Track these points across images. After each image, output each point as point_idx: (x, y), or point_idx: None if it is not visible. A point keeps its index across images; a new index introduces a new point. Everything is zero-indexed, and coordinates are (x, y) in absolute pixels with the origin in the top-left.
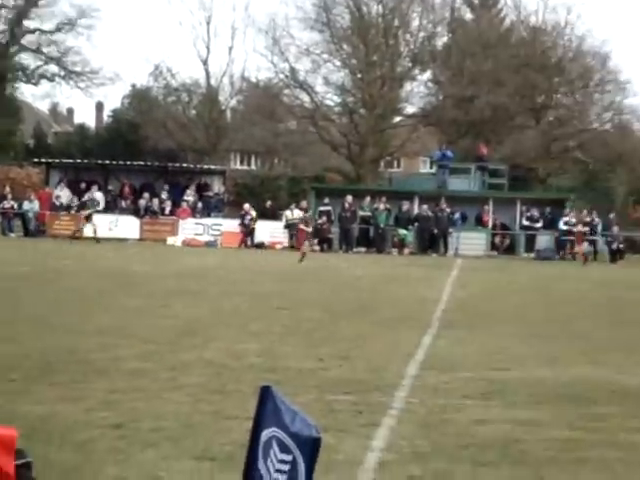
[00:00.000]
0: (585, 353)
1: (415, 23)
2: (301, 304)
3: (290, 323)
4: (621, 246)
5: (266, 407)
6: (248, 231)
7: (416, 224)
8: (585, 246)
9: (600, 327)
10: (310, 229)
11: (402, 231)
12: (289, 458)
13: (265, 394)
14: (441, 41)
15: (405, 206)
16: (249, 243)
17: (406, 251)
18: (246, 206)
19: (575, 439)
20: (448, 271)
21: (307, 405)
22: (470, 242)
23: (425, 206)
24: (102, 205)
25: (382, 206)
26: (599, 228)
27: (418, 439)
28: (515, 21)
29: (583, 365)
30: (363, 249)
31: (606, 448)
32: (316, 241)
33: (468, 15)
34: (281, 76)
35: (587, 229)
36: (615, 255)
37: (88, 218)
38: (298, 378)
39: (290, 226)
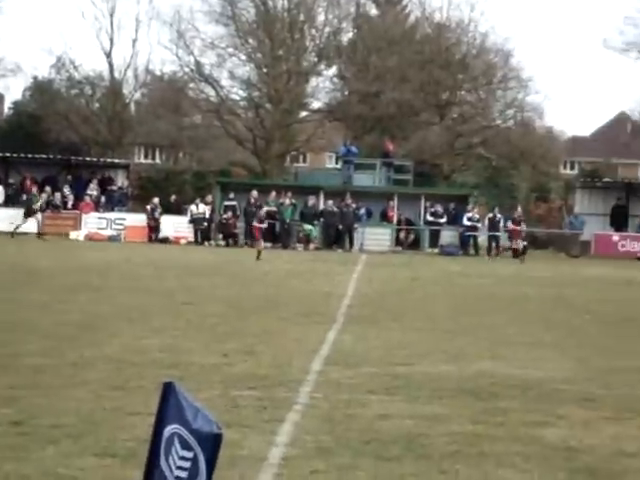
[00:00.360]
0: (488, 348)
1: (321, 18)
2: (206, 299)
3: (194, 318)
4: (524, 242)
5: (168, 403)
6: (156, 225)
7: (321, 219)
8: (519, 243)
9: (503, 322)
10: (265, 226)
11: (307, 226)
12: (190, 455)
13: (167, 390)
14: (346, 36)
15: (311, 201)
16: (153, 238)
17: (311, 246)
18: (155, 200)
19: (477, 433)
20: (353, 266)
21: (211, 401)
22: (375, 237)
23: (330, 201)
24: (2, 199)
25: (288, 201)
26: (502, 224)
27: (322, 434)
28: (420, 17)
29: (486, 360)
30: (269, 244)
31: (508, 442)
32: (221, 236)
33: (373, 11)
34: (186, 69)
35: (521, 228)
36: (517, 251)
37: None
38: (202, 374)
39: (195, 221)
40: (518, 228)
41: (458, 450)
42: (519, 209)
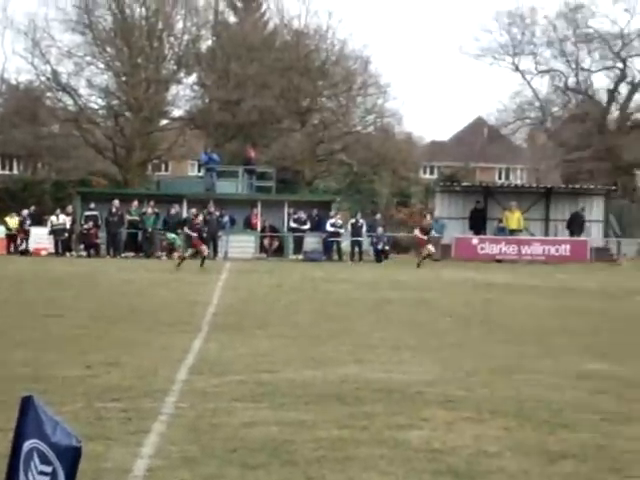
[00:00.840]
0: (352, 353)
1: (179, 26)
2: (68, 311)
3: (57, 330)
4: (386, 247)
5: (27, 418)
6: (25, 237)
7: (185, 228)
8: (429, 247)
9: (366, 327)
10: (195, 235)
11: (171, 235)
12: (49, 469)
13: (26, 404)
14: (206, 44)
15: (173, 210)
16: (12, 250)
17: (175, 255)
18: (25, 211)
19: (343, 438)
20: (218, 274)
21: (74, 414)
22: (239, 245)
23: (194, 209)
24: None
25: (150, 210)
26: (364, 229)
27: (188, 444)
28: (278, 25)
29: (350, 365)
30: (131, 254)
31: (372, 446)
32: (82, 246)
33: (232, 18)
34: (42, 78)
35: (427, 237)
36: (380, 255)
37: None
38: (65, 386)
39: (55, 231)
40: (423, 237)
41: (324, 455)
42: (378, 215)
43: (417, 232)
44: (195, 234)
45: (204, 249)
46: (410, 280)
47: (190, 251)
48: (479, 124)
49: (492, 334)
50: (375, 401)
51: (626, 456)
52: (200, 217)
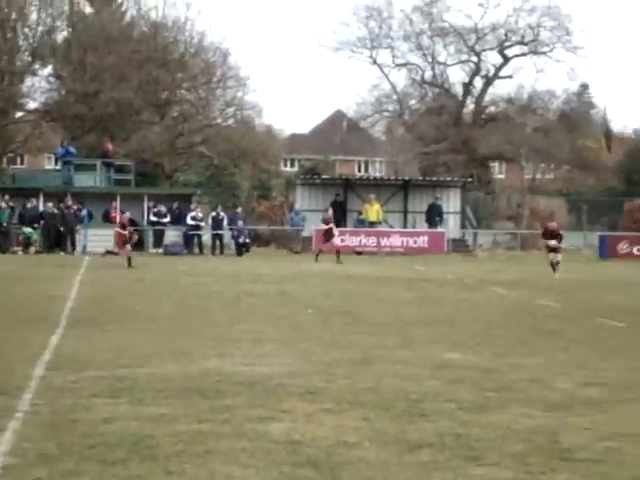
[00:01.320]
0: (213, 346)
1: (33, 17)
2: None
3: None
4: (247, 240)
5: None
6: None
7: (42, 222)
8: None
9: (228, 320)
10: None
11: (27, 229)
12: None
13: None
14: (61, 35)
15: (30, 203)
16: None
17: (32, 250)
18: None
19: (203, 432)
20: (76, 269)
21: None
22: (98, 239)
23: (50, 203)
24: None
25: (4, 204)
26: (225, 222)
27: (44, 441)
28: (136, 16)
29: (212, 358)
30: None
31: (233, 439)
32: None
33: (88, 9)
34: None
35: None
36: (241, 248)
37: None
38: None
39: None
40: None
41: (184, 449)
42: (239, 208)
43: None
44: (125, 232)
45: (125, 251)
46: (271, 273)
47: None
48: (338, 117)
49: (352, 325)
50: (236, 394)
51: (481, 444)
52: (127, 213)
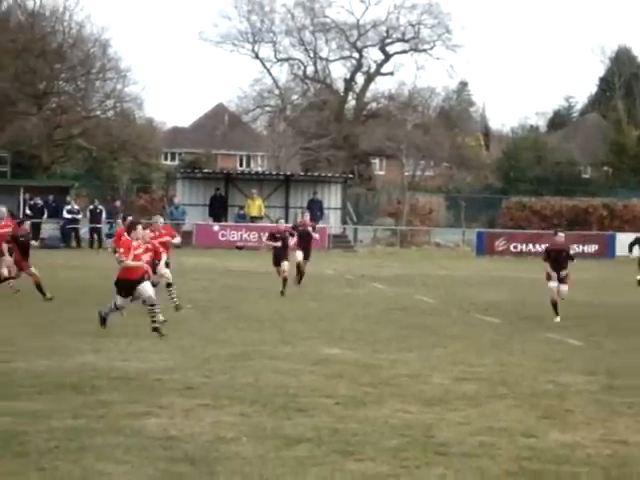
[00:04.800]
0: (90, 342)
1: None
2: None
3: None
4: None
5: None
6: None
7: None
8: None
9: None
10: None
11: None
12: None
13: None
14: None
15: None
16: None
17: None
18: None
19: (78, 428)
20: None
21: None
22: None
23: None
24: None
25: None
26: (104, 215)
27: None
28: (12, 5)
29: (88, 353)
30: None
31: (108, 435)
32: None
33: None
34: None
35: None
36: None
37: None
38: None
39: None
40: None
41: (57, 446)
42: (118, 202)
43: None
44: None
45: None
46: None
47: None
48: (220, 111)
49: (232, 321)
50: (112, 390)
51: (358, 439)
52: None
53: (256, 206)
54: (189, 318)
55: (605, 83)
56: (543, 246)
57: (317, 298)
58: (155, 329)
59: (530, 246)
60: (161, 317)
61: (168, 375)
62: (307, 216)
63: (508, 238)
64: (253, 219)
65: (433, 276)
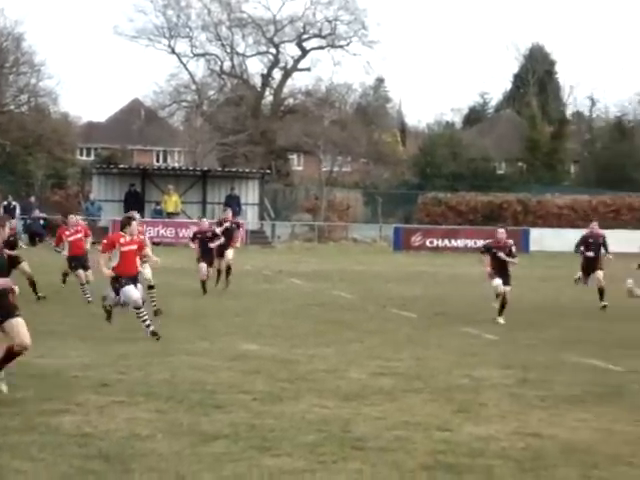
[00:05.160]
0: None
1: None
2: None
3: None
4: (42, 230)
5: None
6: None
7: None
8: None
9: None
10: None
11: None
12: None
13: None
14: None
15: None
16: None
17: None
18: None
19: None
20: None
21: None
22: None
23: None
24: None
25: None
26: (17, 211)
27: None
28: None
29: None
30: None
31: (23, 432)
32: None
33: None
34: None
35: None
36: (35, 238)
37: None
38: None
39: None
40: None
41: None
42: (32, 197)
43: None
44: None
45: None
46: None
47: None
48: (136, 106)
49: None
50: (28, 387)
51: (275, 434)
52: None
53: (172, 202)
54: (105, 314)
55: (519, 80)
56: (460, 241)
57: (235, 294)
58: (154, 333)
59: (446, 241)
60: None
61: (83, 372)
62: (229, 213)
63: (424, 233)
64: (170, 215)
65: (350, 271)
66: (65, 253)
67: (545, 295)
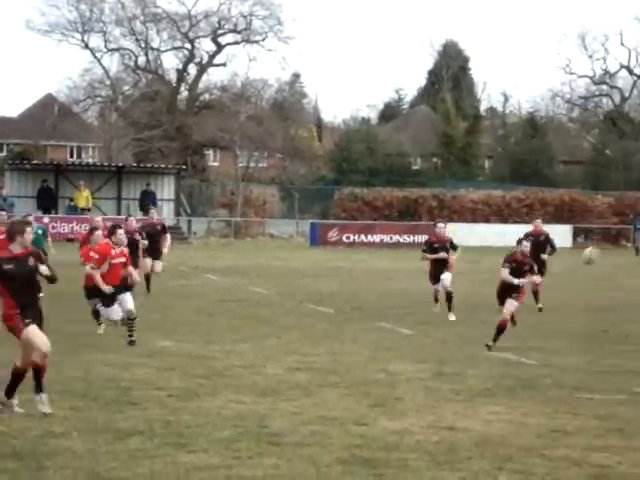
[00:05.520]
0: None
1: None
2: None
3: None
4: None
5: None
6: None
7: None
8: None
9: None
10: None
11: None
12: None
13: None
14: None
15: None
16: None
17: None
18: None
19: None
20: None
21: None
22: None
23: None
24: None
25: None
26: None
27: None
28: None
29: None
30: None
31: None
32: None
33: None
34: None
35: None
36: None
37: None
38: None
39: None
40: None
41: None
42: None
43: None
44: None
45: None
46: None
47: None
48: (49, 101)
49: (62, 313)
50: None
51: (191, 430)
52: None
53: (84, 197)
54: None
55: (434, 76)
56: (376, 237)
57: (151, 290)
58: (131, 342)
59: (362, 237)
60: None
61: None
62: (154, 214)
63: (341, 229)
64: (82, 211)
65: (267, 267)
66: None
67: (459, 289)
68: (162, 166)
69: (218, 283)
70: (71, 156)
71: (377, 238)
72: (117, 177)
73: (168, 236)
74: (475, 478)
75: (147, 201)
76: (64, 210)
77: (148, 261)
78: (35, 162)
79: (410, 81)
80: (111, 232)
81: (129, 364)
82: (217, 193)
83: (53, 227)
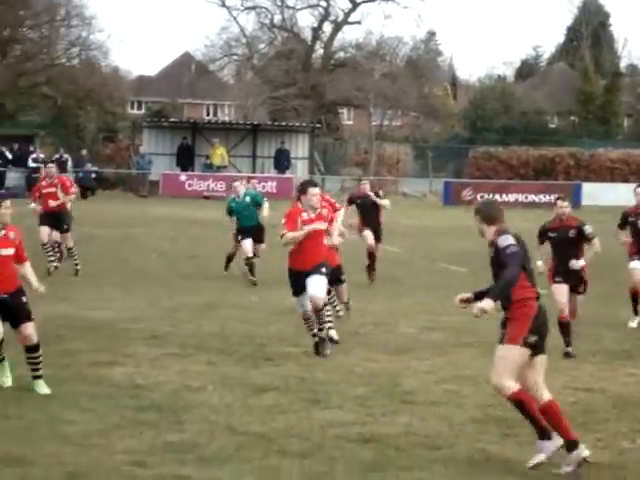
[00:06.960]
0: (56, 291)
1: None
2: None
3: None
4: (93, 183)
5: None
6: None
7: None
8: None
9: (67, 265)
10: None
11: None
12: None
13: None
14: None
15: None
16: None
17: None
18: None
19: (44, 376)
20: None
21: None
22: None
23: None
24: None
25: None
26: (69, 164)
27: None
28: None
29: (54, 302)
30: None
31: (74, 383)
32: None
33: None
34: None
35: None
36: (86, 191)
37: None
38: None
39: None
40: None
41: (23, 394)
42: (84, 151)
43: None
44: None
45: None
46: (116, 217)
47: None
48: (186, 59)
49: (198, 270)
50: (78, 338)
51: (325, 387)
52: None
53: (218, 155)
54: (155, 267)
55: (572, 32)
56: (511, 196)
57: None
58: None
59: (497, 196)
60: None
61: (134, 324)
62: (366, 184)
63: (475, 188)
64: (218, 168)
65: (400, 226)
66: (37, 208)
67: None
68: (297, 124)
69: (348, 241)
70: (207, 114)
71: (512, 197)
72: (252, 135)
73: (385, 202)
74: (613, 440)
75: (281, 159)
76: (200, 168)
77: (368, 235)
78: (173, 120)
79: (548, 38)
80: (301, 191)
81: (263, 320)
82: (351, 151)
83: (190, 185)
